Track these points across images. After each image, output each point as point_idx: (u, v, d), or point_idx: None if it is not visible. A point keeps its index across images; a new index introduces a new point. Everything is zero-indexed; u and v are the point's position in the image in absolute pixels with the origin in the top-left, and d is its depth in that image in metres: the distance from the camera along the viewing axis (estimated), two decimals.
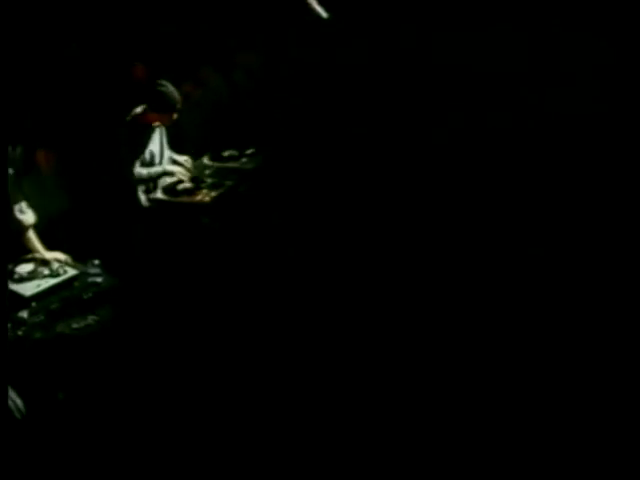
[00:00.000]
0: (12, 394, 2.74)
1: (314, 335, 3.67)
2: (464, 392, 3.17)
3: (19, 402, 2.77)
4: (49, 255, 3.62)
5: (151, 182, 4.34)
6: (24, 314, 3.19)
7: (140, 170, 4.25)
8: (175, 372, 3.39)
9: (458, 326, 3.58)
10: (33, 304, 3.26)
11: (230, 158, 4.79)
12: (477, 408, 3.07)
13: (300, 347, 3.60)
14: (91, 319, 3.22)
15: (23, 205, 3.57)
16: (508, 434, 2.92)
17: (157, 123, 4.31)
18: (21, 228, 3.57)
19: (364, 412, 3.10)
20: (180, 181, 4.40)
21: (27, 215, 3.59)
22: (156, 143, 4.37)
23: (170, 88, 4.18)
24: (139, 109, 4.27)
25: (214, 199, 4.31)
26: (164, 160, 4.44)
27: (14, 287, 3.33)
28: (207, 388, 3.35)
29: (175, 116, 4.26)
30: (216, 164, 4.73)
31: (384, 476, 2.82)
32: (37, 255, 3.60)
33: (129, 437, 3.05)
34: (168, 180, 4.41)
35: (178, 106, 4.21)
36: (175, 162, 4.52)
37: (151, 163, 4.33)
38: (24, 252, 3.62)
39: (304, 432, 3.03)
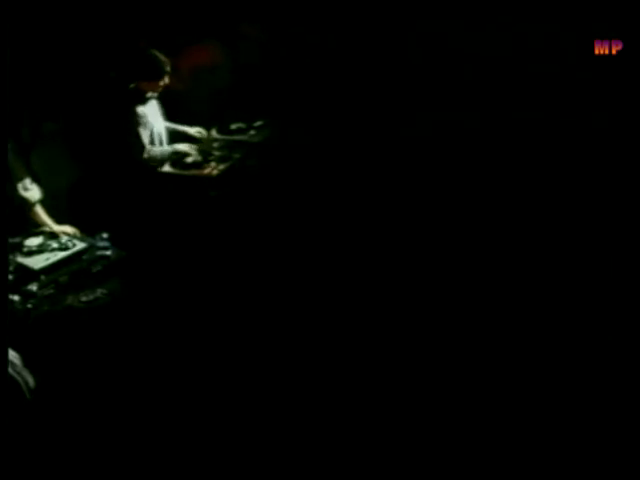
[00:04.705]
0: (24, 371, 2.70)
1: (316, 303, 3.71)
2: (464, 392, 3.14)
3: (30, 380, 2.71)
4: (58, 228, 3.62)
5: (163, 162, 4.34)
6: (33, 287, 3.19)
7: (154, 149, 4.24)
8: (183, 343, 3.40)
9: (457, 325, 3.54)
10: (42, 277, 3.26)
11: (238, 131, 4.77)
12: (477, 408, 3.05)
13: (303, 314, 3.64)
14: (100, 292, 3.23)
15: (27, 182, 3.54)
16: (508, 434, 2.90)
17: (151, 94, 4.28)
18: (27, 205, 3.57)
19: (363, 410, 3.07)
20: (188, 154, 4.39)
21: (32, 192, 3.57)
22: (159, 120, 4.35)
23: (156, 55, 4.12)
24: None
25: (222, 172, 4.30)
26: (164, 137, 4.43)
27: (23, 260, 3.33)
28: (214, 361, 3.37)
29: (166, 82, 4.21)
30: (224, 137, 4.71)
31: (384, 476, 2.79)
32: (46, 228, 3.60)
33: (138, 411, 3.07)
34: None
35: (167, 70, 4.15)
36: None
37: (160, 142, 4.32)
38: (32, 226, 3.62)
39: (303, 429, 3.00)
